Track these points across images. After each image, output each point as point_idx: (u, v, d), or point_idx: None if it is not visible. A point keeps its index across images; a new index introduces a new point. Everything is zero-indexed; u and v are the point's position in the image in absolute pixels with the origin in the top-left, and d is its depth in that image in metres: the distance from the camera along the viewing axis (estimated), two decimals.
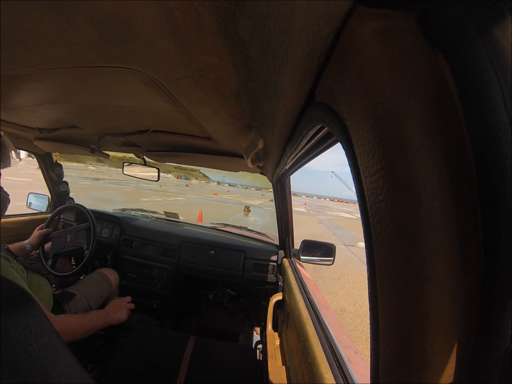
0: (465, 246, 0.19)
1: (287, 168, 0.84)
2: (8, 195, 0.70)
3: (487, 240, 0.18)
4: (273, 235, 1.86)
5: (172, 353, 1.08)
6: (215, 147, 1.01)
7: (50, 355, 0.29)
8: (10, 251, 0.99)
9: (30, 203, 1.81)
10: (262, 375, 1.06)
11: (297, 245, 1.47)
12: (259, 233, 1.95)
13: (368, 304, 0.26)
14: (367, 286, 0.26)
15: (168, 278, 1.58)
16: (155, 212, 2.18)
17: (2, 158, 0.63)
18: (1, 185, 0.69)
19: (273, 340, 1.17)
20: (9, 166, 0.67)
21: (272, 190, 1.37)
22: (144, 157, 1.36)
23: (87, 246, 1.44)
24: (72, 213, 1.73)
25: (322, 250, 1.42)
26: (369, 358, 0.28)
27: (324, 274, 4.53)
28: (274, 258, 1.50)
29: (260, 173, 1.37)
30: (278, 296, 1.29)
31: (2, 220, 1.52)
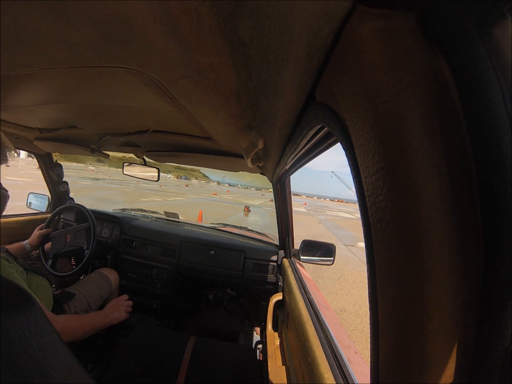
0: (465, 246, 0.19)
1: (287, 168, 0.84)
2: (7, 191, 0.70)
3: (487, 240, 0.18)
4: (273, 235, 1.86)
5: (172, 353, 1.08)
6: (215, 147, 1.01)
7: (50, 355, 0.29)
8: (9, 252, 0.99)
9: (30, 203, 1.81)
10: (262, 375, 1.06)
11: (297, 245, 1.47)
12: (259, 233, 1.95)
13: (368, 304, 0.26)
14: (367, 286, 0.26)
15: (168, 278, 1.58)
16: (155, 212, 2.18)
17: (1, 155, 0.64)
18: (0, 182, 0.69)
19: (273, 340, 1.17)
20: (6, 162, 0.67)
21: (272, 190, 1.37)
22: (144, 157, 1.36)
23: (87, 246, 1.44)
24: (72, 213, 1.73)
25: (322, 250, 1.42)
26: (369, 358, 0.28)
27: (324, 274, 4.53)
28: (274, 258, 1.50)
29: (260, 173, 1.36)
30: (278, 296, 1.29)
31: (2, 220, 1.52)
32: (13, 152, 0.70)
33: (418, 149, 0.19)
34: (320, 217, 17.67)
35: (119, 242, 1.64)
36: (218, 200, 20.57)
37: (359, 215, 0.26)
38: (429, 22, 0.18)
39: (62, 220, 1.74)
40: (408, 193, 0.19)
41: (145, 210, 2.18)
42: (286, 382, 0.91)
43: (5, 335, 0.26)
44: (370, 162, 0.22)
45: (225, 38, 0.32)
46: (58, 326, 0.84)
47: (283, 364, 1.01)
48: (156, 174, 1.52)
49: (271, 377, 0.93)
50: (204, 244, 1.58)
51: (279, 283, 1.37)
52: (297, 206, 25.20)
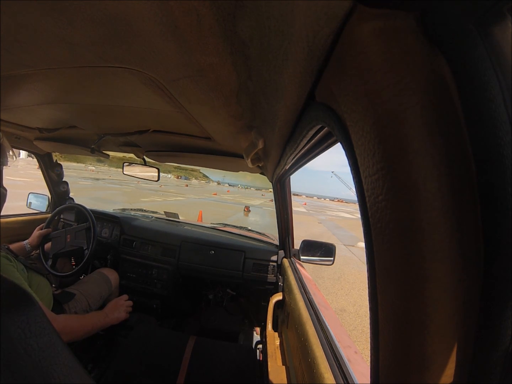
0: (465, 246, 0.19)
1: (287, 168, 0.84)
2: (6, 191, 0.70)
3: (487, 240, 0.18)
4: (273, 235, 1.86)
5: (172, 353, 1.08)
6: (215, 147, 1.01)
7: (50, 355, 0.29)
8: (11, 250, 0.99)
9: (30, 203, 1.81)
10: (262, 375, 1.06)
11: (297, 245, 1.47)
12: (259, 233, 1.95)
13: (368, 304, 0.26)
14: (367, 286, 0.26)
15: (168, 278, 1.58)
16: (155, 212, 2.18)
17: (1, 158, 0.64)
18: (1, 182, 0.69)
19: (273, 340, 1.17)
20: (7, 165, 0.68)
21: (272, 190, 1.37)
22: (144, 157, 1.36)
23: (87, 246, 1.44)
24: (72, 213, 1.73)
25: (322, 250, 1.42)
26: (369, 358, 0.28)
27: (324, 274, 4.53)
28: (274, 258, 1.50)
29: (260, 173, 1.37)
30: (278, 296, 1.30)
31: (2, 220, 1.52)
32: (11, 153, 0.70)
33: (418, 149, 0.19)
34: (320, 217, 17.66)
35: (119, 242, 1.64)
36: (218, 200, 20.56)
37: (359, 215, 0.26)
38: (429, 22, 0.18)
39: (62, 220, 1.74)
40: (408, 193, 0.19)
41: (145, 210, 2.18)
42: (286, 382, 0.91)
43: (5, 335, 0.26)
44: (370, 162, 0.22)
45: (225, 38, 0.32)
46: (58, 326, 0.84)
47: (283, 364, 1.01)
48: (156, 174, 1.52)
49: (271, 377, 0.93)
50: (204, 244, 1.58)
51: (279, 283, 1.37)
52: (297, 206, 25.20)
